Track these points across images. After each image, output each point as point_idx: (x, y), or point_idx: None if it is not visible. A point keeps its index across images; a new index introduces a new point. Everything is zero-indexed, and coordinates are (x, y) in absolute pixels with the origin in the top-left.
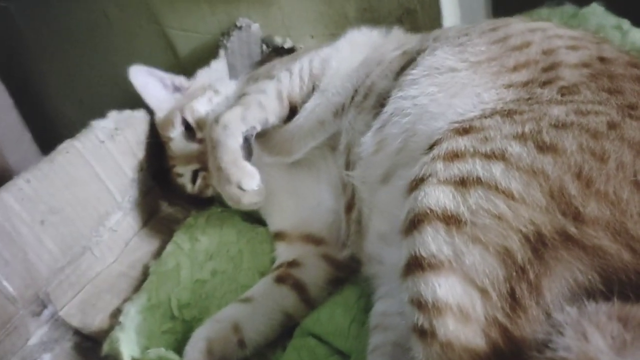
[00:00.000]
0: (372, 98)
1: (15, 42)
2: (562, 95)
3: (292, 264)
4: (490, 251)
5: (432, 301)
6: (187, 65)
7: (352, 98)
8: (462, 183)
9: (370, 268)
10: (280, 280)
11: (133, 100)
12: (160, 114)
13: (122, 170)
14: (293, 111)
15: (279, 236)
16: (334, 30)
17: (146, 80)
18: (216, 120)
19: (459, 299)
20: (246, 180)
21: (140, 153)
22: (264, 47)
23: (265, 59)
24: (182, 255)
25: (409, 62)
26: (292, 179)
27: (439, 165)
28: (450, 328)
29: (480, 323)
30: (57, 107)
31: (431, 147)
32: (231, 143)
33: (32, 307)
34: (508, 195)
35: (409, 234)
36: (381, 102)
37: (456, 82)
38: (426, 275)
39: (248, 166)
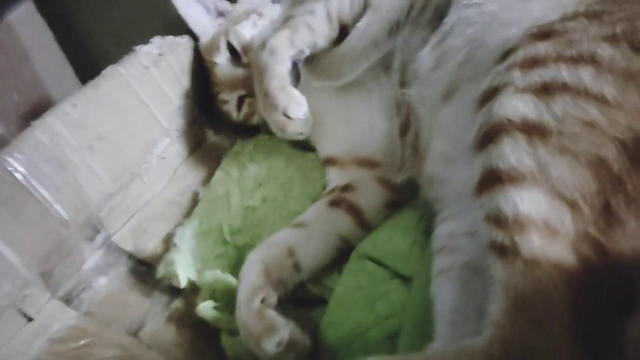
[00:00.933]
0: (429, 12)
1: None
2: None
3: (346, 188)
4: (581, 161)
5: (512, 216)
6: None
7: (408, 13)
8: (545, 90)
9: (431, 191)
10: (334, 204)
11: (174, 30)
12: (204, 39)
13: (168, 97)
14: (343, 32)
15: (330, 161)
16: None
17: (189, 4)
18: (263, 45)
19: (545, 213)
20: (293, 107)
21: (185, 80)
22: None
23: None
24: (231, 183)
25: None
26: (342, 103)
27: (516, 74)
28: (535, 244)
29: (569, 238)
30: (95, 40)
31: (505, 56)
32: (279, 68)
33: (85, 232)
34: (601, 100)
35: (483, 148)
36: (440, 15)
37: None
38: (505, 189)
39: (296, 93)
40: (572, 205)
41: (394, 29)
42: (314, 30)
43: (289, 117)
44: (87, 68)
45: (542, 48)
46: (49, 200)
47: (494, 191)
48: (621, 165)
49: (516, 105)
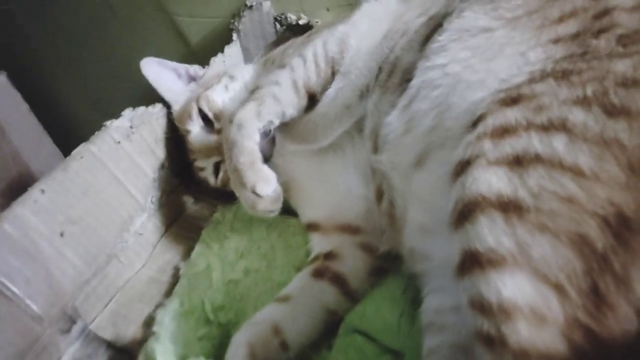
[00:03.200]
0: (397, 74)
1: (22, 45)
2: (624, 45)
3: (329, 255)
4: (563, 240)
5: (497, 303)
6: (200, 53)
7: (377, 77)
8: (518, 162)
9: (413, 264)
10: (318, 274)
11: (151, 96)
12: (176, 107)
13: (142, 170)
14: (313, 99)
15: (312, 227)
16: (351, 0)
17: (159, 72)
18: (230, 119)
19: (530, 298)
20: (261, 185)
21: (159, 150)
22: (278, 25)
23: (280, 39)
24: (212, 255)
25: (435, 28)
26: (319, 166)
27: (487, 144)
28: (523, 334)
29: (559, 325)
30: (73, 109)
31: (475, 124)
32: (247, 143)
33: (60, 325)
34: (577, 172)
35: (459, 227)
36: (407, 78)
37: (492, 43)
38: (487, 274)
39: (265, 170)
40: (558, 288)
41: (365, 93)
42: (281, 101)
43: (258, 195)
44: (66, 138)
45: (512, 115)
46: (20, 295)
47: (475, 275)
48: (605, 243)
49: (489, 180)
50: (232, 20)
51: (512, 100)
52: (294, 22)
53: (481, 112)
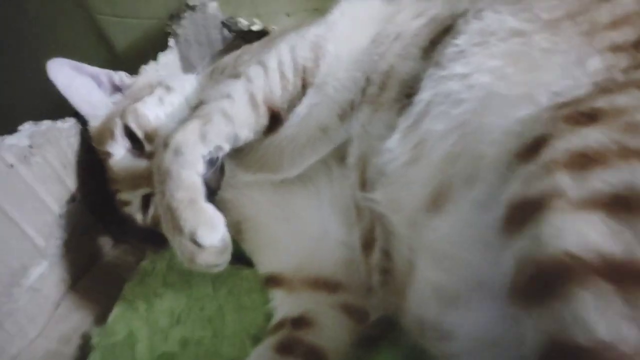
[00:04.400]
0: (393, 88)
1: None
2: None
3: (300, 322)
4: None
5: None
6: (127, 61)
7: (364, 91)
8: (622, 205)
9: (424, 341)
10: (284, 349)
11: (59, 112)
12: (94, 123)
13: (44, 203)
14: (276, 118)
15: (274, 281)
16: (318, 4)
17: (72, 77)
18: (165, 142)
19: None
20: (203, 231)
21: (69, 178)
22: (225, 32)
23: (229, 47)
24: (137, 319)
25: (442, 32)
26: (283, 201)
27: (564, 179)
28: None
29: None
30: None
31: (533, 149)
32: (186, 175)
33: None
34: None
35: (536, 304)
36: (408, 92)
37: (530, 49)
38: None
39: (209, 211)
40: None
41: (347, 111)
42: (233, 119)
43: (198, 244)
44: None
45: (592, 137)
46: None
47: None
48: None
49: (582, 232)
50: (169, 23)
51: (585, 116)
52: (245, 28)
53: (538, 132)
